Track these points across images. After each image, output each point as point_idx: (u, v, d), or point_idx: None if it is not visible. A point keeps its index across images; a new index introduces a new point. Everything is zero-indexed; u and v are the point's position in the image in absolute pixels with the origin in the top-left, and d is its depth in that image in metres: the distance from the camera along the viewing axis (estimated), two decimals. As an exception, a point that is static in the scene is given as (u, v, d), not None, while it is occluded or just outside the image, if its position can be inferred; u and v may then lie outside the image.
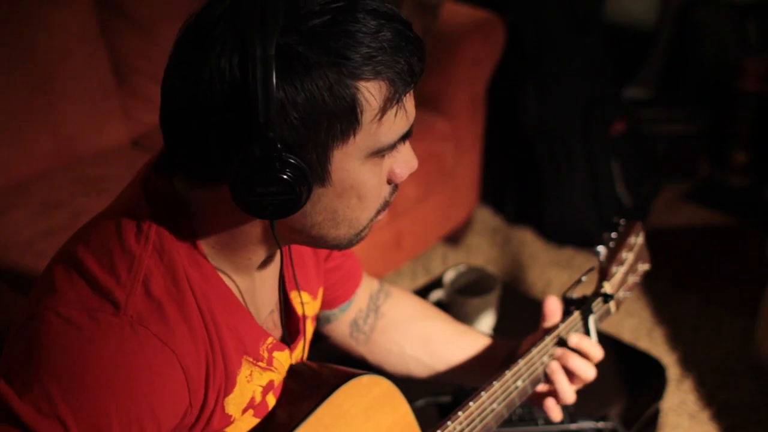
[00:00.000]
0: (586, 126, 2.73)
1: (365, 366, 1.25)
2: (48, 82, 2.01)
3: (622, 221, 1.29)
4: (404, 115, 0.80)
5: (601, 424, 1.37)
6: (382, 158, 0.82)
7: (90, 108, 2.11)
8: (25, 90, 1.97)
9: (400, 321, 1.24)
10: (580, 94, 2.76)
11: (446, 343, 1.24)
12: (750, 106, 3.09)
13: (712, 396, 2.13)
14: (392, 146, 0.81)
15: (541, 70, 2.74)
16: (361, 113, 0.76)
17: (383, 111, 0.77)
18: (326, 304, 1.17)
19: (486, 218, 2.90)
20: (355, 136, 0.77)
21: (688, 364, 2.23)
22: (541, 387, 1.16)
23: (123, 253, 0.81)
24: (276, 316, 1.00)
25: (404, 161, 0.85)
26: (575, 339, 1.13)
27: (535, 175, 2.79)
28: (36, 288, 0.84)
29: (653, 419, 1.61)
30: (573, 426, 1.36)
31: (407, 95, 0.80)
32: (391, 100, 0.77)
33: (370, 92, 0.76)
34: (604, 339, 1.57)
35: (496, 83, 2.62)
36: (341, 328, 1.22)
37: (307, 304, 1.05)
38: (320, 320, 1.20)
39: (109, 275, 0.79)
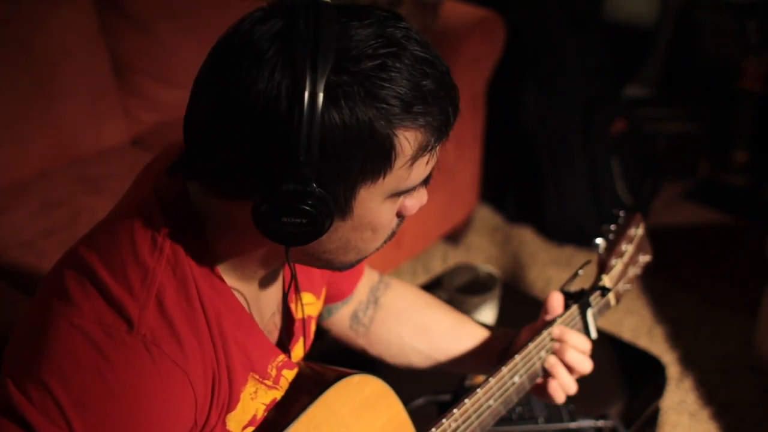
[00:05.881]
0: (586, 125, 2.73)
1: (366, 358, 1.25)
2: (48, 82, 2.01)
3: (621, 213, 1.28)
4: (434, 161, 0.82)
5: (601, 423, 1.37)
6: (400, 197, 0.84)
7: (90, 108, 2.11)
8: (25, 90, 1.97)
9: (400, 312, 1.24)
10: (580, 93, 2.76)
11: (445, 332, 1.24)
12: (750, 105, 3.09)
13: (712, 395, 2.13)
14: (414, 189, 0.83)
15: (540, 69, 2.74)
16: (395, 158, 0.78)
17: (415, 158, 0.79)
18: (329, 299, 1.17)
19: (486, 217, 2.90)
20: (384, 178, 0.79)
21: (688, 362, 2.23)
22: (540, 380, 1.15)
23: (136, 264, 0.81)
24: (277, 319, 1.01)
25: (417, 197, 0.87)
26: (557, 331, 1.13)
27: (535, 174, 2.79)
28: (45, 291, 0.83)
29: (653, 418, 1.61)
30: (573, 425, 1.36)
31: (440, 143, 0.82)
32: (425, 149, 0.79)
33: (407, 139, 0.77)
34: (604, 337, 1.58)
35: (496, 83, 2.62)
36: (342, 321, 1.22)
37: (310, 305, 1.05)
38: (321, 314, 1.20)
39: (122, 287, 0.79)
